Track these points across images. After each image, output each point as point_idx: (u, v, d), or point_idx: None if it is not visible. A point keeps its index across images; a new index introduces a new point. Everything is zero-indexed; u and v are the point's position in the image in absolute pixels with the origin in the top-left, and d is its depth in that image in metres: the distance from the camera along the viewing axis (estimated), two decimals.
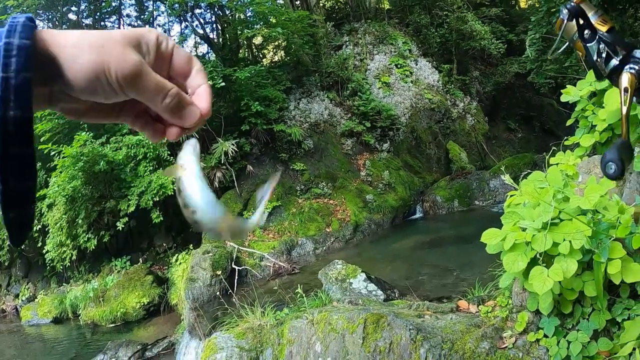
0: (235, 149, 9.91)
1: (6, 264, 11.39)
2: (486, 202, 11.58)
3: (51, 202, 9.60)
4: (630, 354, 2.16)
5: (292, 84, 12.54)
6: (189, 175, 0.61)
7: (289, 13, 12.69)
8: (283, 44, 14.11)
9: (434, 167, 13.99)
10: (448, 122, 15.04)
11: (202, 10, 13.61)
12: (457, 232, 10.01)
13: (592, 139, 3.21)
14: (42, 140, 9.39)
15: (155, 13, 14.50)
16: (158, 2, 14.29)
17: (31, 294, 11.28)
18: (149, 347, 7.66)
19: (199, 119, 0.61)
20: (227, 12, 13.20)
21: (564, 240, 2.34)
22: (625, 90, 1.15)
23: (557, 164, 3.06)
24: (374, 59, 15.22)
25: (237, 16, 13.18)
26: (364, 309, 3.76)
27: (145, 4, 14.64)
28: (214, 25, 14.23)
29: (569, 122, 3.57)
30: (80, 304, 9.59)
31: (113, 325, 8.99)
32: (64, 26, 12.60)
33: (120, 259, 10.16)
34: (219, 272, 7.68)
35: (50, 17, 13.12)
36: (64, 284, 10.72)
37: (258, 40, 14.95)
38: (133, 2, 14.52)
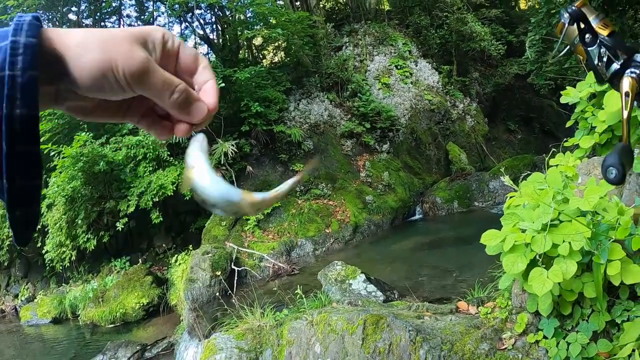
0: (235, 149, 9.91)
1: (5, 264, 11.39)
2: (486, 204, 11.58)
3: (51, 203, 9.59)
4: (629, 355, 2.17)
5: (292, 84, 12.54)
6: (199, 171, 0.61)
7: (289, 14, 12.69)
8: (283, 44, 14.12)
9: (434, 168, 13.98)
10: (448, 123, 15.04)
11: (203, 10, 13.62)
12: (457, 233, 10.01)
13: (591, 140, 3.21)
14: (41, 140, 9.37)
15: (155, 13, 14.52)
16: (158, 3, 14.30)
17: (30, 294, 11.27)
18: (149, 347, 7.65)
19: (206, 114, 0.61)
20: (227, 12, 13.21)
21: (564, 241, 2.34)
22: (626, 94, 1.15)
23: (556, 166, 3.06)
24: (373, 60, 15.23)
25: (237, 17, 13.19)
26: (363, 310, 3.76)
27: (146, 5, 14.65)
28: (214, 26, 14.25)
29: (568, 124, 3.58)
30: (79, 304, 9.58)
31: (112, 325, 8.99)
32: (64, 26, 12.54)
33: (119, 260, 10.15)
34: (218, 273, 7.68)
35: (50, 17, 13.13)
36: (63, 284, 10.72)
37: (258, 41, 14.96)
38: (133, 2, 14.53)
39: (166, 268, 9.94)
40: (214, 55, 13.17)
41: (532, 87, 15.73)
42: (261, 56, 16.18)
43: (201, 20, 13.78)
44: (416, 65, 15.56)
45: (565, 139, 3.47)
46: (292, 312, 4.98)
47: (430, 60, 16.13)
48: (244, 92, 10.59)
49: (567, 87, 3.48)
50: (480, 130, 16.02)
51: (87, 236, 9.50)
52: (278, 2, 13.94)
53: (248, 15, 13.35)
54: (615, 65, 1.21)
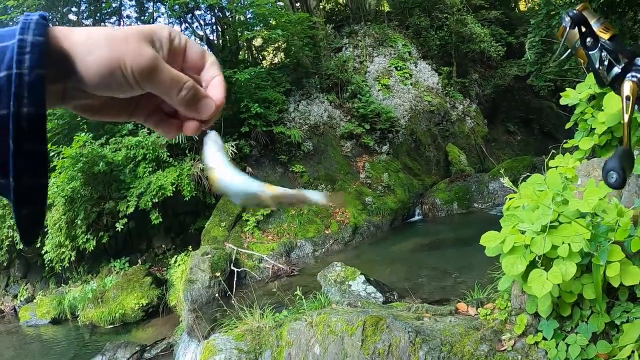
0: (235, 150, 9.91)
1: (5, 264, 11.38)
2: (485, 205, 11.58)
3: (50, 203, 9.58)
4: (629, 357, 2.17)
5: (292, 85, 12.54)
6: (220, 171, 0.62)
7: (289, 15, 12.70)
8: (283, 46, 14.12)
9: (433, 170, 13.99)
10: (447, 124, 15.05)
11: (202, 11, 13.63)
12: (456, 235, 10.00)
13: (591, 141, 3.22)
14: None
15: (155, 14, 14.52)
16: (158, 4, 14.31)
17: (30, 294, 11.26)
18: (148, 348, 7.65)
19: (214, 110, 0.61)
20: (227, 13, 13.22)
21: (563, 243, 2.35)
22: (627, 98, 1.15)
23: (556, 167, 3.07)
24: (373, 61, 15.24)
25: (237, 18, 13.20)
26: (363, 311, 3.76)
27: (146, 5, 14.65)
28: (214, 27, 14.26)
29: (568, 125, 3.58)
30: (78, 304, 9.57)
31: (111, 326, 8.98)
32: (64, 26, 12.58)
33: (119, 260, 10.15)
34: (217, 274, 7.68)
35: (50, 17, 13.11)
36: (62, 284, 10.71)
37: (258, 42, 14.96)
38: (133, 3, 14.54)
39: (165, 269, 9.94)
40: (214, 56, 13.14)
41: (532, 88, 15.75)
42: (261, 57, 16.18)
43: (201, 21, 13.79)
44: (416, 67, 15.57)
45: (564, 141, 3.48)
46: (292, 313, 4.98)
47: (430, 61, 16.14)
48: (244, 93, 10.59)
49: (566, 89, 3.49)
50: (479, 132, 16.03)
51: (86, 237, 9.50)
52: (278, 3, 13.94)
53: (248, 16, 13.36)
54: (617, 69, 1.21)
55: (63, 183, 9.19)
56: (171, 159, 9.92)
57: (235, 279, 8.07)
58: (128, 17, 14.62)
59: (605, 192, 2.36)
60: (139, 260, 10.29)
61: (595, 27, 1.24)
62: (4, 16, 11.25)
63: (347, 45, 15.62)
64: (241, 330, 4.62)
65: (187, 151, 10.31)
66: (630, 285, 2.31)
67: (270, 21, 12.62)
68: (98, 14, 13.76)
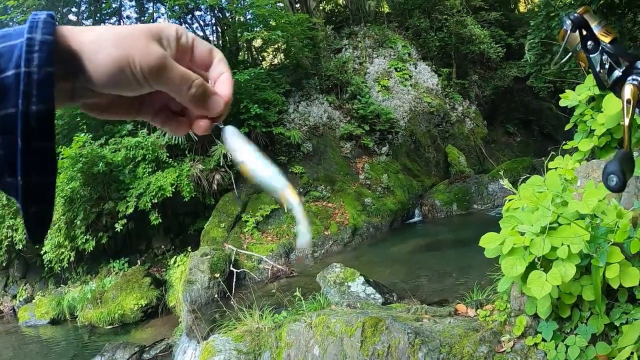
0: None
1: (4, 264, 11.37)
2: (485, 206, 11.59)
3: None
4: (628, 358, 2.17)
5: (292, 86, 12.55)
6: (252, 163, 0.63)
7: (288, 16, 12.70)
8: (283, 46, 14.13)
9: (433, 171, 13.99)
10: (447, 125, 15.06)
11: (202, 12, 13.63)
12: (456, 236, 10.00)
13: (590, 143, 3.22)
14: None
15: (155, 15, 14.53)
16: (158, 4, 14.31)
17: (29, 294, 11.25)
18: (147, 349, 7.64)
19: (223, 107, 0.62)
20: (227, 14, 13.22)
21: (563, 244, 2.35)
22: (628, 101, 1.15)
23: (555, 168, 3.07)
24: (373, 63, 15.24)
25: (237, 19, 13.20)
26: (362, 312, 3.76)
27: (146, 6, 14.65)
28: (214, 28, 14.26)
29: (567, 127, 3.58)
30: (77, 305, 9.57)
31: (111, 327, 8.97)
32: None
33: (118, 261, 10.14)
34: (217, 275, 7.67)
35: None
36: (61, 285, 10.71)
37: (258, 42, 14.97)
38: (133, 3, 14.54)
39: (165, 269, 9.93)
40: None
41: (532, 89, 15.75)
42: (261, 58, 16.18)
43: (201, 22, 13.80)
44: (415, 68, 15.58)
45: (564, 142, 3.48)
46: (291, 314, 4.98)
47: (430, 62, 16.15)
48: (244, 94, 10.59)
49: (566, 90, 3.49)
50: (479, 133, 16.04)
51: (85, 237, 9.49)
52: (278, 4, 13.95)
53: (248, 17, 13.38)
54: (617, 73, 1.21)
55: (62, 183, 9.19)
56: (171, 159, 9.92)
57: (234, 279, 8.07)
58: (128, 17, 14.64)
59: (605, 193, 2.35)
60: (138, 261, 10.29)
61: (596, 30, 1.24)
62: (4, 16, 11.25)
63: (347, 46, 15.62)
64: (240, 331, 4.62)
65: (186, 152, 10.31)
66: (630, 287, 2.31)
67: (270, 22, 12.63)
68: (98, 15, 13.77)
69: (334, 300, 5.38)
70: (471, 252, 5.89)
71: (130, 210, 9.22)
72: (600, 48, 1.23)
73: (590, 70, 1.27)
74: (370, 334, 3.25)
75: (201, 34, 13.61)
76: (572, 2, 9.31)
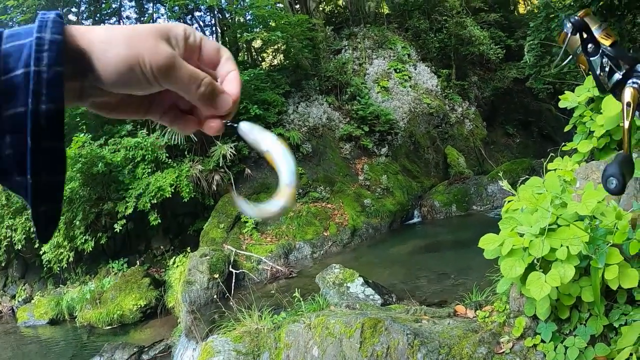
0: (234, 152, 9.91)
1: (3, 264, 11.36)
2: (484, 207, 11.59)
3: None
4: (627, 359, 2.17)
5: (291, 87, 12.55)
6: (277, 152, 0.64)
7: (288, 17, 12.71)
8: (282, 47, 14.14)
9: (432, 172, 14.00)
10: (446, 127, 15.06)
11: (202, 13, 13.64)
12: (455, 237, 10.00)
13: (590, 144, 3.22)
14: None
15: (155, 15, 14.54)
16: (158, 4, 14.31)
17: (28, 295, 11.24)
18: (146, 349, 7.64)
19: (232, 105, 0.62)
20: (227, 15, 13.23)
21: (562, 246, 2.35)
22: (628, 104, 1.15)
23: (555, 170, 3.07)
24: (372, 64, 15.25)
25: (236, 19, 13.21)
26: (361, 313, 3.76)
27: (145, 6, 14.66)
28: (214, 28, 14.25)
29: (567, 128, 3.58)
30: (76, 305, 9.56)
31: (109, 327, 8.97)
32: None
33: (117, 261, 10.14)
34: (216, 275, 7.67)
35: None
36: (60, 285, 10.70)
37: (257, 43, 14.98)
38: (133, 3, 14.54)
39: (164, 270, 9.93)
40: None
41: (531, 91, 15.76)
42: (260, 59, 16.20)
43: (201, 23, 13.79)
44: (415, 69, 15.59)
45: (563, 143, 3.48)
46: (290, 315, 4.98)
47: (429, 63, 16.15)
48: (243, 95, 10.58)
49: (565, 92, 3.49)
50: (478, 134, 16.04)
51: (84, 237, 9.49)
52: (278, 5, 13.95)
53: (248, 18, 13.38)
54: (617, 76, 1.21)
55: None
56: (170, 160, 9.92)
57: (233, 280, 8.06)
58: (128, 17, 14.64)
59: (604, 195, 2.36)
60: (138, 262, 10.28)
61: (597, 33, 1.24)
62: (4, 16, 11.25)
63: (347, 47, 15.63)
64: (239, 332, 4.62)
65: (186, 152, 10.31)
66: (629, 288, 2.31)
67: (270, 23, 12.63)
68: (98, 15, 13.77)
69: (333, 301, 5.38)
70: (470, 253, 5.90)
71: (130, 211, 9.21)
72: (600, 51, 1.23)
73: (590, 72, 1.27)
74: (370, 335, 3.25)
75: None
76: (572, 3, 9.32)
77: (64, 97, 0.47)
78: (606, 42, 1.23)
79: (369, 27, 16.30)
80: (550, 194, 2.53)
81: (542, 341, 2.66)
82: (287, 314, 5.14)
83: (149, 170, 9.68)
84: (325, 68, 13.58)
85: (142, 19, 14.29)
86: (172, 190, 9.23)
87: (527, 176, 2.98)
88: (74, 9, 13.52)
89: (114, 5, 13.72)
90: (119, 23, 14.23)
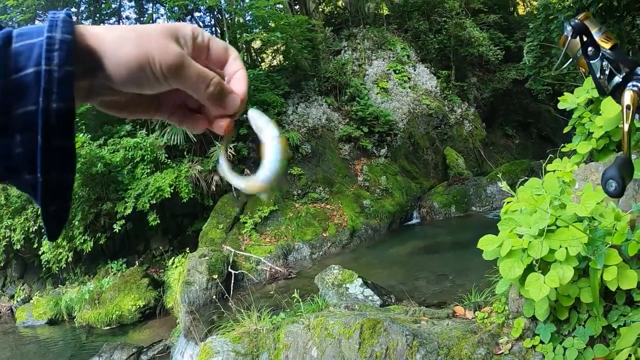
0: (233, 152, 9.91)
1: (2, 264, 11.35)
2: (483, 208, 11.60)
3: None
4: None
5: (291, 88, 12.55)
6: (271, 147, 0.66)
7: (288, 17, 12.72)
8: (282, 48, 14.15)
9: (431, 173, 14.01)
10: (446, 128, 15.07)
11: (202, 13, 13.65)
12: (454, 238, 10.01)
13: (589, 146, 3.22)
14: None
15: (154, 15, 14.54)
16: (158, 5, 14.32)
17: (26, 295, 11.23)
18: (145, 350, 7.63)
19: (240, 105, 0.63)
20: (227, 15, 13.22)
21: (561, 247, 2.35)
22: (627, 107, 1.15)
23: (554, 171, 3.07)
24: (372, 65, 15.26)
25: (236, 20, 13.21)
26: (360, 314, 3.76)
27: (145, 6, 14.66)
28: (213, 29, 14.25)
29: (566, 129, 3.58)
30: (75, 305, 9.55)
31: (108, 327, 8.96)
32: None
33: (116, 262, 10.13)
34: (215, 276, 7.67)
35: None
36: (59, 285, 10.69)
37: (257, 44, 14.98)
38: (133, 4, 14.55)
39: (163, 270, 9.93)
40: None
41: (530, 92, 15.77)
42: (260, 59, 16.20)
43: (200, 23, 13.78)
44: (414, 70, 15.60)
45: (562, 145, 3.48)
46: (289, 315, 4.98)
47: (429, 65, 16.16)
48: None
49: (564, 93, 3.49)
50: (478, 135, 16.05)
51: (83, 238, 9.49)
52: (277, 5, 13.96)
53: (247, 19, 13.38)
54: (617, 79, 1.21)
55: None
56: (169, 160, 9.92)
57: (232, 281, 8.06)
58: (127, 18, 14.65)
59: (603, 196, 2.36)
60: (137, 262, 10.28)
61: (597, 36, 1.24)
62: (4, 16, 11.25)
63: (346, 48, 15.63)
64: (238, 333, 4.61)
65: (185, 153, 10.31)
66: (628, 289, 2.31)
67: (270, 23, 12.64)
68: (97, 15, 13.77)
69: (332, 302, 5.38)
70: (469, 254, 5.90)
71: (129, 211, 9.21)
72: (600, 54, 1.24)
73: (590, 75, 1.27)
74: (369, 335, 3.25)
75: None
76: (571, 5, 9.33)
77: (74, 96, 0.48)
78: (606, 45, 1.23)
79: (369, 28, 16.31)
80: (549, 195, 2.53)
81: (541, 342, 2.66)
82: (286, 315, 5.15)
83: (148, 170, 9.67)
84: (324, 69, 13.58)
85: (141, 19, 14.29)
86: (171, 191, 9.23)
87: (526, 177, 2.98)
88: (73, 9, 13.52)
89: (113, 6, 13.73)
90: (119, 23, 14.23)
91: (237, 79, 0.63)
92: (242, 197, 10.09)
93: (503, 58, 16.91)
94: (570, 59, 1.33)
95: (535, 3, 19.37)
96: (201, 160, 10.17)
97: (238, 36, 12.61)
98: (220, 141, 0.70)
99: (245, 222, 9.57)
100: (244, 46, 14.26)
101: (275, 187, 0.67)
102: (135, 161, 9.72)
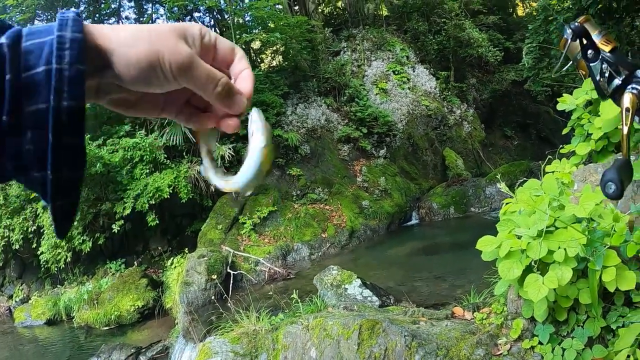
0: (232, 153, 9.90)
1: (0, 264, 11.34)
2: (482, 209, 11.60)
3: (46, 204, 9.54)
4: None
5: (290, 89, 12.55)
6: (252, 156, 0.65)
7: (287, 18, 12.72)
8: (281, 49, 14.14)
9: (430, 174, 14.01)
10: (445, 129, 15.08)
11: (201, 14, 13.66)
12: (453, 239, 10.02)
13: (587, 147, 3.23)
14: None
15: (154, 16, 14.54)
16: (157, 5, 14.32)
17: (25, 295, 11.22)
18: (143, 350, 7.63)
19: (246, 106, 0.64)
20: (226, 16, 13.23)
21: (559, 248, 2.35)
22: (627, 110, 1.15)
23: (552, 172, 3.07)
24: (371, 65, 15.26)
25: (235, 20, 13.21)
26: (359, 315, 3.76)
27: (145, 7, 14.66)
28: (213, 29, 14.24)
29: (565, 131, 3.58)
30: (74, 306, 9.54)
31: (107, 328, 8.96)
32: None
33: (115, 262, 10.13)
34: (214, 276, 7.66)
35: (49, 17, 13.13)
36: (58, 285, 10.67)
37: (256, 44, 14.98)
38: (132, 4, 14.55)
39: (162, 271, 9.92)
40: None
41: (529, 93, 15.79)
42: (259, 60, 16.19)
43: (199, 24, 13.77)
44: (414, 71, 15.60)
45: (561, 146, 3.48)
46: (288, 316, 4.98)
47: (428, 66, 16.17)
48: None
49: (563, 94, 3.49)
50: (477, 136, 16.06)
51: (82, 238, 9.48)
52: (277, 6, 13.96)
53: (247, 19, 13.38)
54: (617, 81, 1.22)
55: None
56: (168, 160, 9.92)
57: (231, 281, 8.06)
58: (127, 18, 14.65)
59: (602, 197, 2.36)
60: (135, 262, 10.27)
61: (597, 39, 1.25)
62: (3, 15, 11.24)
63: (345, 49, 15.64)
64: (237, 333, 4.61)
65: (184, 153, 10.31)
66: (626, 290, 2.32)
67: (269, 24, 12.64)
68: (97, 15, 13.76)
69: (330, 302, 5.39)
70: (468, 255, 5.91)
71: (128, 211, 9.21)
72: (600, 57, 1.24)
73: (590, 78, 1.28)
74: (367, 336, 3.25)
75: None
76: (570, 6, 9.34)
77: (84, 94, 0.48)
78: (606, 48, 1.23)
79: (368, 29, 16.31)
80: (548, 196, 2.53)
81: (540, 343, 2.66)
82: (284, 316, 5.15)
83: (147, 170, 9.67)
84: (324, 69, 13.59)
85: (141, 19, 14.29)
86: (170, 191, 9.23)
87: (525, 178, 2.99)
88: (73, 9, 13.49)
89: (113, 6, 13.73)
90: (118, 23, 14.22)
91: (243, 79, 0.64)
92: (241, 198, 10.08)
93: (502, 59, 16.93)
94: (570, 62, 1.33)
95: (534, 4, 19.41)
96: (200, 161, 10.14)
97: (237, 36, 12.60)
98: (201, 136, 0.70)
99: (244, 223, 9.56)
100: (244, 47, 14.26)
101: (252, 189, 0.68)
102: (134, 161, 9.72)
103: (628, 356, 2.16)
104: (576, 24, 1.26)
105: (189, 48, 0.56)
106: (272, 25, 12.55)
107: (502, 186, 2.63)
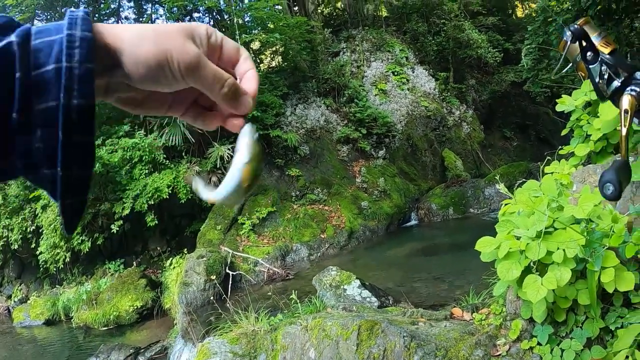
0: (231, 153, 9.89)
1: None
2: (481, 210, 11.60)
3: (45, 204, 9.57)
4: None
5: (289, 89, 12.55)
6: (232, 174, 0.66)
7: (287, 19, 12.72)
8: (281, 49, 14.13)
9: (430, 175, 14.01)
10: (444, 129, 15.08)
11: (201, 14, 13.63)
12: (452, 240, 10.02)
13: (586, 148, 3.23)
14: None
15: (153, 16, 14.54)
16: (157, 5, 14.31)
17: (24, 295, 11.21)
18: (142, 351, 7.62)
19: (251, 106, 0.65)
20: (226, 16, 13.23)
21: (558, 248, 2.35)
22: (626, 111, 1.16)
23: (551, 173, 3.08)
24: (370, 66, 15.27)
25: (235, 21, 13.20)
26: (358, 315, 3.76)
27: (144, 7, 14.66)
28: None
29: (564, 132, 3.59)
30: (73, 306, 9.54)
31: (106, 328, 8.95)
32: None
33: (114, 262, 10.12)
34: (213, 277, 7.66)
35: (49, 17, 13.14)
36: (57, 285, 10.67)
37: (256, 45, 14.96)
38: (132, 4, 14.55)
39: (160, 271, 9.91)
40: None
41: (528, 94, 15.80)
42: (259, 60, 16.18)
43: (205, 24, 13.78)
44: (413, 72, 15.61)
45: (560, 147, 3.48)
46: (287, 317, 4.98)
47: (427, 67, 16.18)
48: None
49: (562, 95, 3.50)
50: (476, 137, 16.07)
51: (81, 238, 9.47)
52: (276, 7, 13.96)
53: (246, 20, 13.37)
54: (616, 83, 1.22)
55: None
56: (167, 161, 9.91)
57: (230, 282, 8.06)
58: (127, 18, 14.64)
59: (600, 198, 2.36)
60: (134, 262, 10.27)
61: (596, 41, 1.25)
62: None
63: (345, 49, 15.64)
64: (236, 334, 4.61)
65: (183, 154, 10.31)
66: (625, 291, 2.32)
67: (269, 25, 12.64)
68: (97, 15, 13.76)
69: (329, 303, 5.38)
70: (467, 256, 5.91)
71: (127, 212, 9.20)
72: (599, 59, 1.24)
73: (590, 80, 1.28)
74: (366, 337, 3.25)
75: None
76: (569, 7, 9.36)
77: (94, 92, 0.49)
78: (605, 50, 1.24)
79: (367, 30, 16.32)
80: (547, 197, 2.54)
81: (539, 344, 2.67)
82: (283, 316, 5.14)
83: (147, 171, 9.67)
84: (323, 70, 13.59)
85: (140, 19, 14.29)
86: (170, 192, 9.23)
87: (524, 179, 2.99)
88: (72, 9, 13.50)
89: (112, 6, 13.72)
90: (118, 23, 14.21)
91: (248, 79, 0.64)
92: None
93: (501, 60, 16.94)
94: (570, 64, 1.33)
95: (533, 5, 19.45)
96: (199, 161, 10.16)
97: (237, 37, 12.60)
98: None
99: (243, 223, 9.56)
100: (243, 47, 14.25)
101: (235, 203, 0.69)
102: (133, 162, 9.71)
103: (627, 357, 2.17)
104: (576, 26, 1.26)
105: (196, 48, 0.57)
106: (272, 26, 12.55)
107: (501, 187, 2.64)
